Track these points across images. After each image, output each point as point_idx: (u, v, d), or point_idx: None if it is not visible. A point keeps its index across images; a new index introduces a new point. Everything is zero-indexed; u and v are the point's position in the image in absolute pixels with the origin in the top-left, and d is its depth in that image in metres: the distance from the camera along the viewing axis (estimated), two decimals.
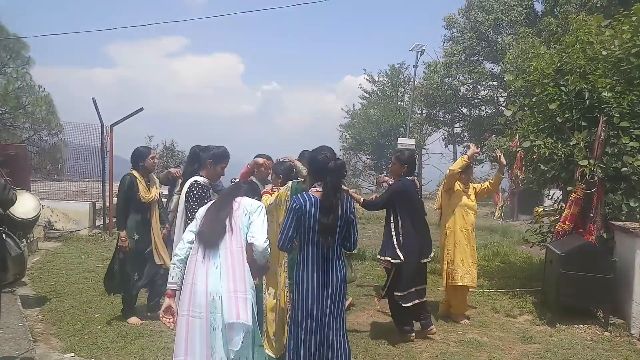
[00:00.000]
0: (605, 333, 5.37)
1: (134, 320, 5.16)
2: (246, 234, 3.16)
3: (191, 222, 3.46)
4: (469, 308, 5.94)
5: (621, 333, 5.35)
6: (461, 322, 5.60)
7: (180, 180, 5.50)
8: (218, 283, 3.03)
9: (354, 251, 4.47)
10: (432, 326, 5.12)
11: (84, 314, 5.43)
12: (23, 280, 6.04)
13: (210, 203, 3.40)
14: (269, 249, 3.18)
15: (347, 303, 6.00)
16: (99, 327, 5.05)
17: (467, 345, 4.95)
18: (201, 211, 3.33)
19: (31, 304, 5.70)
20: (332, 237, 3.36)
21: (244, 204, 3.23)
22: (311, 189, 3.46)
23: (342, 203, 3.40)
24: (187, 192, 4.09)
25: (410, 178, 5.10)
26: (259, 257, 3.18)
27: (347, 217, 3.44)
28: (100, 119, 10.30)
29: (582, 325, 5.57)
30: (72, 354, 4.40)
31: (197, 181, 4.11)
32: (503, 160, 5.88)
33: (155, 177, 5.47)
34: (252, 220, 3.19)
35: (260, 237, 3.14)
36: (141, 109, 10.32)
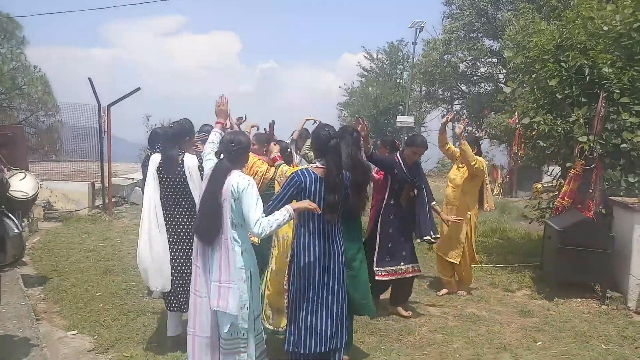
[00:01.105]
0: (602, 306, 5.45)
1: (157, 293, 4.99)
2: (233, 220, 3.14)
3: None
4: (451, 284, 5.88)
5: (618, 306, 5.42)
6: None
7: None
8: (212, 271, 3.16)
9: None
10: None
11: (85, 292, 5.46)
12: (24, 260, 6.08)
13: (205, 182, 3.28)
14: (265, 228, 3.07)
15: None
16: (100, 305, 5.09)
17: (466, 319, 5.02)
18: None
19: (33, 283, 5.74)
20: (336, 213, 3.40)
21: (229, 189, 3.11)
22: (311, 165, 3.46)
23: (344, 180, 3.44)
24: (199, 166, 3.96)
25: None
26: (259, 237, 3.25)
27: (346, 193, 3.48)
28: (97, 99, 10.21)
29: (579, 299, 5.64)
30: (75, 332, 4.45)
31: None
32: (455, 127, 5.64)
33: None
34: (244, 205, 3.09)
35: (252, 224, 3.07)
36: (138, 89, 10.22)
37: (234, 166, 3.20)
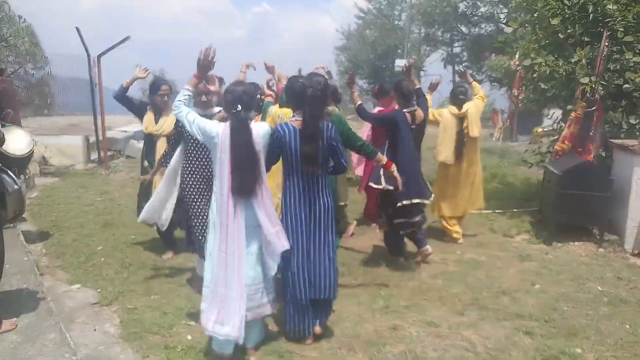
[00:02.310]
0: (600, 249, 5.50)
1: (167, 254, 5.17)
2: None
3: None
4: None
5: (615, 249, 5.47)
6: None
7: None
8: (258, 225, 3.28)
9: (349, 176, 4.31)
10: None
11: (86, 246, 5.49)
12: (23, 216, 6.07)
13: (224, 135, 3.15)
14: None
15: (351, 228, 6.08)
16: (102, 259, 5.12)
17: (465, 265, 5.08)
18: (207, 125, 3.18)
19: (34, 239, 5.75)
20: (315, 165, 3.33)
21: (260, 137, 3.21)
22: (291, 119, 3.40)
23: (322, 131, 3.34)
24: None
25: None
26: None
27: (329, 145, 3.39)
28: (86, 49, 9.94)
29: (577, 243, 5.68)
30: (79, 285, 4.49)
31: None
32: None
33: None
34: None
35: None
36: (128, 38, 9.93)
37: (249, 116, 3.28)
